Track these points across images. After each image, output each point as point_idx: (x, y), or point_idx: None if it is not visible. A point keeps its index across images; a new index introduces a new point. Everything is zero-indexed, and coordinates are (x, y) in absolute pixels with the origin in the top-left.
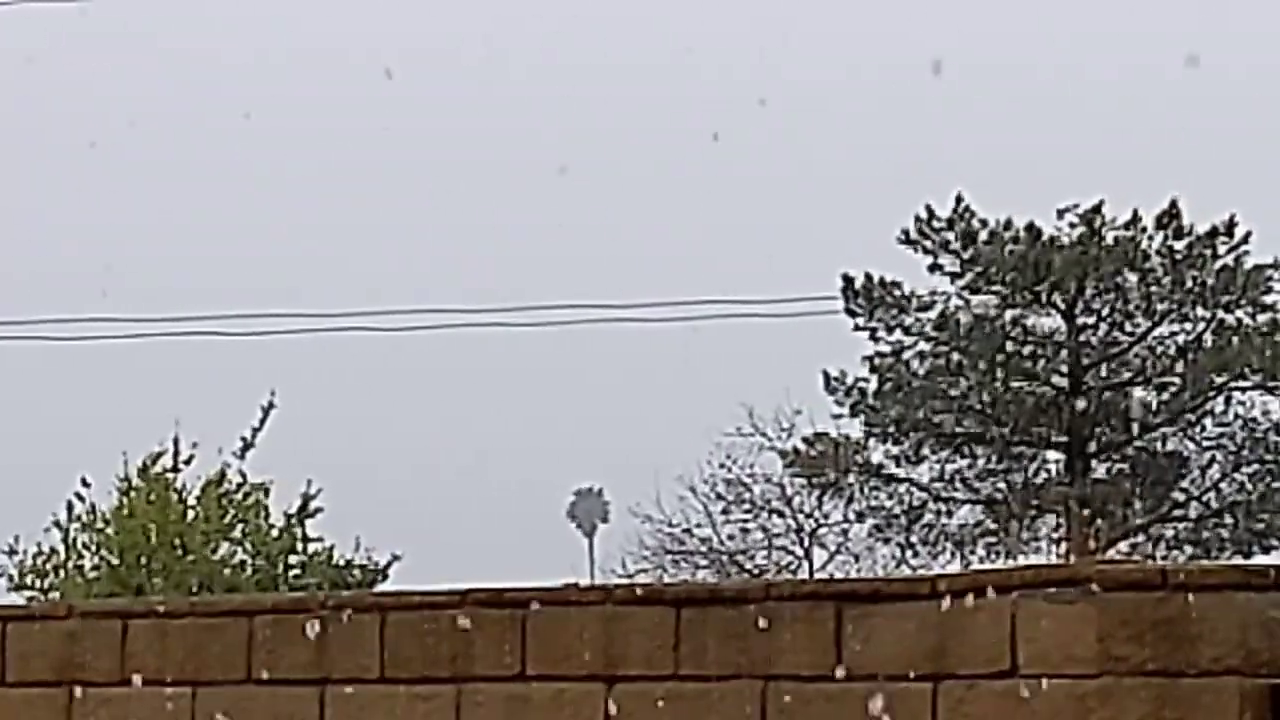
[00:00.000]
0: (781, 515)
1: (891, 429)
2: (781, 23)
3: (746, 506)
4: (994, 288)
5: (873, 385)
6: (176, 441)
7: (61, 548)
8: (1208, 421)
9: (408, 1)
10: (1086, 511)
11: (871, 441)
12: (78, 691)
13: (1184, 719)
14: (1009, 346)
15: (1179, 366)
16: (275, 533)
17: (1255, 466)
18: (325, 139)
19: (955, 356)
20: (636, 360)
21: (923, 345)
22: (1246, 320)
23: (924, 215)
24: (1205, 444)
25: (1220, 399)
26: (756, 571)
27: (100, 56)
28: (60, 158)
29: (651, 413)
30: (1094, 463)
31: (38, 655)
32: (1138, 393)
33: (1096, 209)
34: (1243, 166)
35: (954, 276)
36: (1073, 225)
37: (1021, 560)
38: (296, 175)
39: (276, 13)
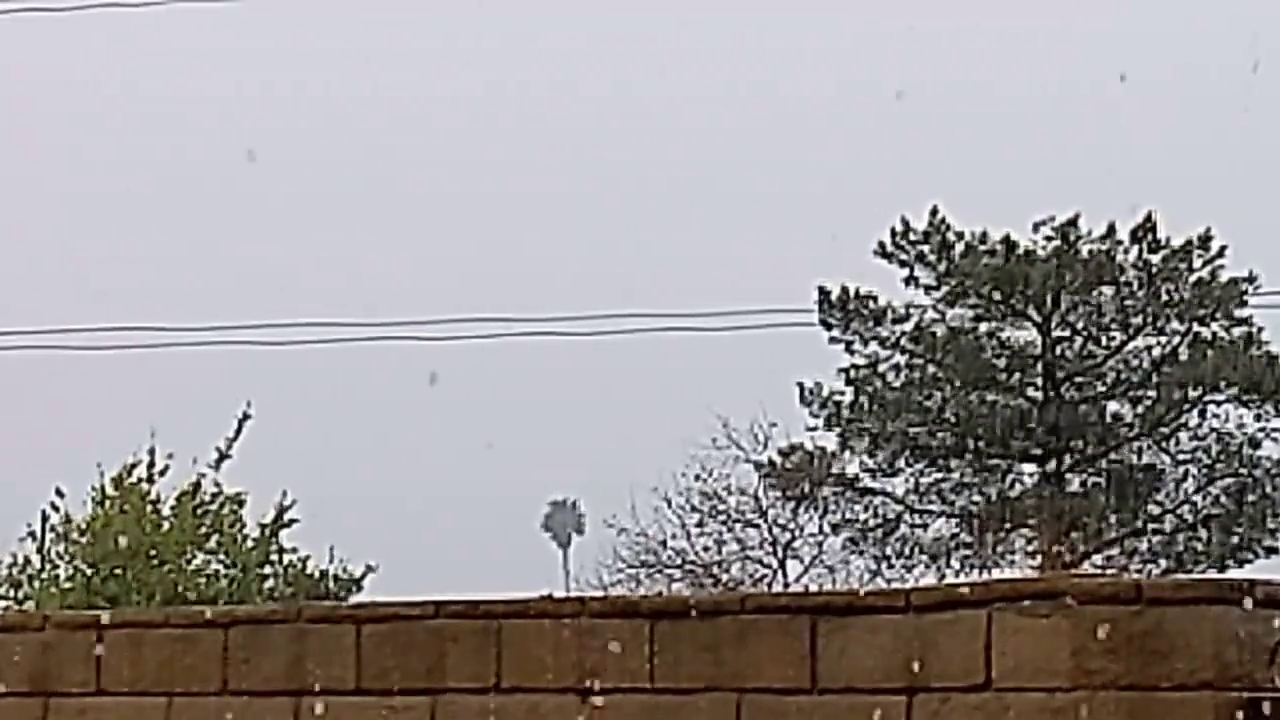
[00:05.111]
0: (756, 527)
1: (867, 441)
2: (761, 37)
3: (721, 518)
4: (969, 300)
5: (848, 398)
6: (152, 452)
7: (36, 558)
8: (1183, 435)
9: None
10: (1061, 525)
11: (847, 454)
12: (52, 702)
13: None
14: (984, 359)
15: (1154, 379)
16: (250, 544)
17: (1230, 480)
18: (307, 153)
19: (931, 369)
20: (611, 372)
21: (898, 358)
22: (1222, 334)
23: (900, 228)
24: (1180, 458)
25: (1195, 412)
26: (731, 584)
27: (99, 68)
28: (41, 169)
29: (626, 425)
30: (1069, 476)
31: (12, 666)
32: None
33: (1072, 222)
34: (1218, 180)
35: (929, 289)
36: (1048, 238)
37: (996, 573)
38: (284, 193)
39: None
